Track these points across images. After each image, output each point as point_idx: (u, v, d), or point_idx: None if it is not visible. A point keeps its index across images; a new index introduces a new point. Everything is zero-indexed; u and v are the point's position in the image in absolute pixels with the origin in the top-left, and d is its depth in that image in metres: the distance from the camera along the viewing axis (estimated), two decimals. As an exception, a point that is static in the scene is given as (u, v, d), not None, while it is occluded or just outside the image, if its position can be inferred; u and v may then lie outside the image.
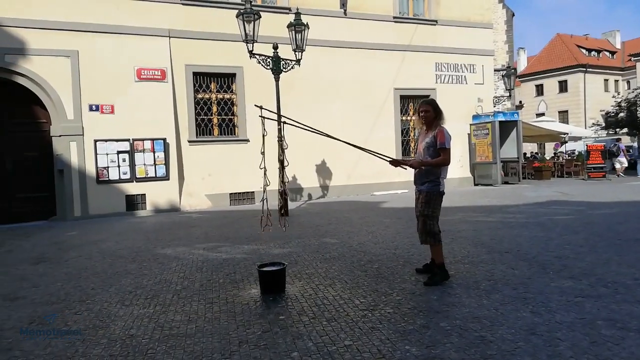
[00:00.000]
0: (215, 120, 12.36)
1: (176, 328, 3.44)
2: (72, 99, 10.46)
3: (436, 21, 14.94)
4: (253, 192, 12.43)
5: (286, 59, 9.73)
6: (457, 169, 15.00)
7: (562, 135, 21.73)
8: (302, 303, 3.86)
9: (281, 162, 9.55)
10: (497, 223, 7.59)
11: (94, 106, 10.64)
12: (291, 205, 11.08)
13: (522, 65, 47.05)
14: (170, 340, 3.20)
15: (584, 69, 42.06)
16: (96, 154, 10.60)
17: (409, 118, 14.97)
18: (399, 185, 14.13)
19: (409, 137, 15.03)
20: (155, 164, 11.13)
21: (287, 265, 4.45)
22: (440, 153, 4.22)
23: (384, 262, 5.17)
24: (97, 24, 10.67)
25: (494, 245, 5.83)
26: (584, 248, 5.45)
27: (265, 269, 4.25)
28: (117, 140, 10.77)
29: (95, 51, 10.64)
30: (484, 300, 3.69)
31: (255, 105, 5.43)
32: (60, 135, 10.40)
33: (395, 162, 4.63)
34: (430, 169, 4.27)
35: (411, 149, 15.16)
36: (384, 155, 4.98)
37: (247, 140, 12.34)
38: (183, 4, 11.72)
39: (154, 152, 11.11)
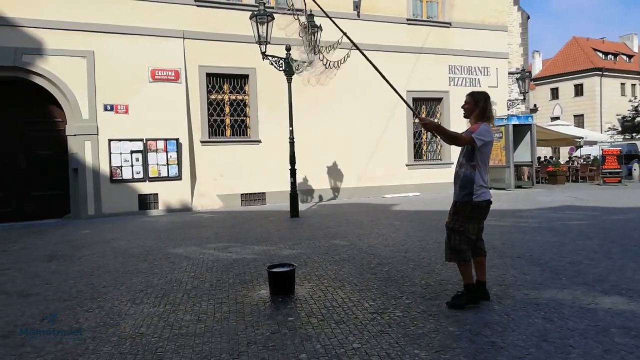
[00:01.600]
0: (227, 121, 12.43)
1: (185, 327, 3.45)
2: (88, 98, 10.60)
3: (450, 23, 14.85)
4: (264, 192, 12.46)
5: (299, 61, 9.75)
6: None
7: (577, 140, 21.45)
8: (311, 305, 3.85)
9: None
10: (509, 227, 7.51)
11: (108, 106, 10.76)
12: (302, 206, 11.10)
13: (537, 69, 46.57)
14: (179, 339, 3.22)
15: (600, 73, 41.50)
16: (110, 153, 10.71)
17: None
18: (410, 188, 14.07)
19: (421, 139, 14.96)
20: (167, 164, 11.22)
21: (296, 267, 4.44)
22: (472, 142, 3.55)
23: (394, 265, 5.14)
24: (112, 24, 10.80)
25: (505, 249, 5.76)
26: (598, 254, 5.36)
27: (274, 270, 4.25)
28: (130, 140, 10.88)
29: (111, 52, 10.77)
30: (495, 305, 3.65)
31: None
32: (75, 135, 10.54)
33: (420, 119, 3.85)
34: (465, 174, 3.62)
35: (423, 152, 15.08)
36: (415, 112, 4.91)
37: (259, 141, 12.39)
38: (197, 6, 11.81)
39: (166, 152, 11.20)
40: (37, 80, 10.35)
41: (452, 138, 3.72)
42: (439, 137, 3.83)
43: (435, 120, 15.06)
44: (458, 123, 12.90)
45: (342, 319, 3.49)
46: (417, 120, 3.99)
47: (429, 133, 15.18)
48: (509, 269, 4.78)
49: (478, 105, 3.72)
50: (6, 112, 10.46)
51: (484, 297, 3.75)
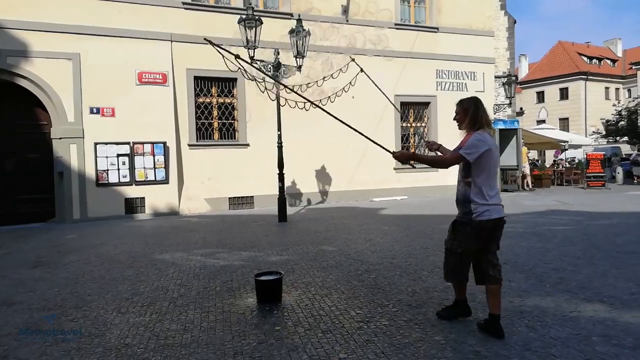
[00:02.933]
0: (215, 125, 12.37)
1: (172, 337, 3.44)
2: (73, 101, 10.47)
3: (437, 28, 14.97)
4: (252, 196, 12.43)
5: (287, 65, 9.75)
6: (457, 175, 15.00)
7: (562, 143, 21.75)
8: (298, 313, 3.86)
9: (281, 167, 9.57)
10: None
11: (94, 109, 10.65)
12: (290, 210, 11.09)
13: (523, 72, 47.13)
14: (165, 350, 3.21)
15: (585, 77, 42.14)
16: (96, 156, 10.60)
17: (409, 124, 15.00)
18: (398, 191, 14.14)
19: (409, 143, 15.04)
20: (155, 168, 11.13)
21: (283, 275, 4.45)
22: (461, 160, 3.27)
23: (381, 271, 5.17)
24: (99, 27, 10.69)
25: (491, 255, 5.82)
26: (582, 260, 5.45)
27: (262, 278, 4.25)
28: (117, 144, 10.77)
29: (97, 54, 10.66)
30: (480, 313, 3.69)
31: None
32: (60, 138, 10.41)
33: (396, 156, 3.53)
34: (461, 191, 3.35)
35: (411, 156, 15.15)
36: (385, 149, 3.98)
37: (247, 145, 12.36)
38: (185, 9, 11.75)
39: (154, 156, 11.11)
40: (22, 82, 10.21)
41: (434, 163, 3.53)
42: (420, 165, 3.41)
43: (424, 126, 15.21)
44: (447, 128, 13.07)
45: (329, 328, 3.50)
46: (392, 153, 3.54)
47: (416, 136, 15.29)
48: (494, 276, 4.83)
49: (467, 113, 3.36)
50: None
51: (496, 333, 3.22)
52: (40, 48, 10.20)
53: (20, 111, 10.55)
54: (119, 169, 10.80)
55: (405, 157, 3.51)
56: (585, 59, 44.68)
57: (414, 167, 3.43)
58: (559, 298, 4.05)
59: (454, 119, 3.48)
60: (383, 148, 3.88)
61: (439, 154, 3.77)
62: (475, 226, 3.23)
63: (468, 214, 3.27)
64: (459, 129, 3.47)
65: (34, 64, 10.20)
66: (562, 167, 22.36)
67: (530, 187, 17.03)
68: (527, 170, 16.96)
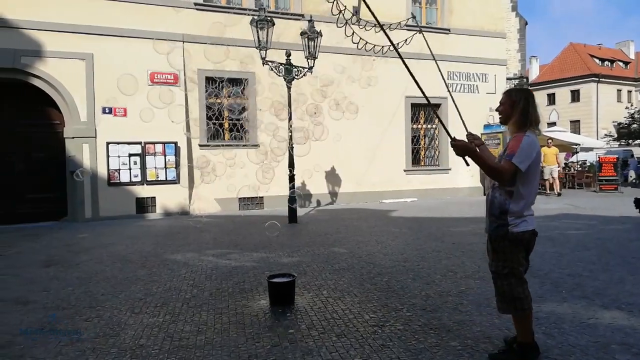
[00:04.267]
0: (226, 125, 12.41)
1: (186, 339, 3.44)
2: (86, 101, 10.56)
3: (449, 30, 14.90)
4: (262, 197, 12.44)
5: (298, 66, 9.75)
6: (467, 178, 14.92)
7: (574, 146, 21.53)
8: (312, 316, 3.84)
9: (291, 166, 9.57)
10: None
11: (107, 109, 10.73)
12: (300, 211, 11.08)
13: (534, 74, 46.80)
14: (180, 352, 3.21)
15: (597, 79, 41.74)
16: (108, 156, 10.68)
17: (419, 126, 14.94)
18: (408, 193, 14.09)
19: (420, 145, 14.99)
20: (166, 167, 11.19)
21: (296, 277, 4.43)
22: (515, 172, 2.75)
23: (394, 275, 5.14)
24: (112, 27, 10.77)
25: (504, 259, 5.77)
26: (597, 265, 5.38)
27: (275, 280, 4.24)
28: (129, 143, 10.84)
29: (110, 54, 10.74)
30: (496, 319, 3.65)
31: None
32: (73, 137, 10.50)
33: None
34: (499, 200, 2.83)
35: (421, 157, 15.11)
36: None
37: (257, 146, 12.37)
38: (197, 9, 11.80)
39: (165, 156, 11.17)
40: (36, 82, 10.31)
41: (491, 170, 2.79)
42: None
43: (434, 128, 15.15)
44: (458, 130, 12.95)
45: (343, 332, 3.48)
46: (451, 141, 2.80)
47: (427, 138, 15.23)
48: (509, 281, 4.78)
49: (516, 107, 2.82)
50: (4, 113, 10.41)
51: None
52: (54, 48, 10.30)
53: (33, 111, 10.64)
54: (130, 169, 10.87)
55: (466, 150, 2.77)
56: (597, 60, 44.25)
57: (467, 164, 2.89)
58: (576, 304, 3.99)
59: (497, 109, 2.98)
60: (447, 132, 3.19)
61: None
62: (514, 238, 2.80)
63: (503, 227, 2.81)
64: (502, 123, 3.00)
65: (47, 64, 10.29)
66: (574, 170, 22.13)
67: (558, 191, 15.10)
68: (555, 174, 15.10)
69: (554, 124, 39.16)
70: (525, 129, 2.81)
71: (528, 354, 2.86)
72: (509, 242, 2.80)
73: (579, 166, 23.34)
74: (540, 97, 45.49)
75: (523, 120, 2.81)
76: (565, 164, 25.65)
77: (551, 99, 45.01)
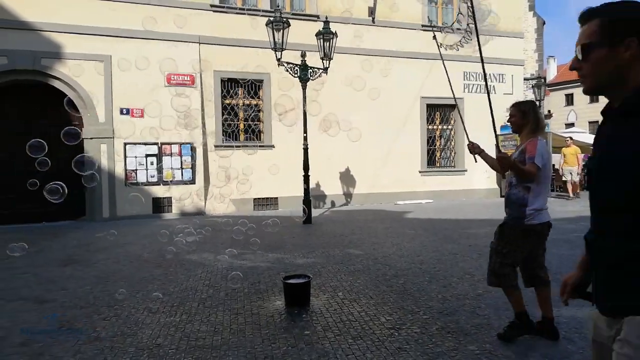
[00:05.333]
0: (241, 126, 12.47)
1: (202, 339, 3.45)
2: (104, 102, 10.70)
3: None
4: (277, 197, 12.47)
5: (314, 67, 9.75)
6: (483, 179, 14.76)
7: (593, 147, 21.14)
8: (327, 318, 3.83)
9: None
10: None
11: (124, 110, 10.86)
12: (314, 212, 11.08)
13: (551, 74, 46.13)
14: (196, 352, 3.22)
15: (617, 79, 40.95)
16: (125, 156, 10.80)
17: (435, 127, 14.84)
18: (423, 195, 13.98)
19: (435, 146, 14.87)
20: (182, 168, 11.28)
21: (312, 278, 4.42)
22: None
23: (410, 277, 5.10)
24: (129, 29, 10.89)
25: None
26: (618, 269, 5.26)
27: (290, 281, 4.24)
28: (145, 144, 10.96)
29: (127, 56, 10.84)
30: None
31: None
32: (91, 138, 10.65)
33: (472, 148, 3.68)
34: (518, 196, 3.24)
35: (437, 158, 14.99)
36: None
37: (272, 147, 12.41)
38: (213, 11, 11.88)
39: (181, 156, 11.26)
40: (55, 83, 10.48)
41: (525, 174, 3.18)
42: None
43: (450, 128, 15.03)
44: (474, 131, 12.81)
45: (359, 334, 3.46)
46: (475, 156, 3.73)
47: (442, 139, 15.11)
48: (527, 284, 4.71)
49: (527, 117, 3.33)
50: (25, 114, 10.59)
51: (551, 336, 3.28)
52: (73, 50, 10.46)
53: (52, 111, 10.80)
54: (147, 169, 10.98)
55: (504, 161, 3.16)
56: (617, 60, 43.43)
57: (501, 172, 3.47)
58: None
59: (509, 120, 3.46)
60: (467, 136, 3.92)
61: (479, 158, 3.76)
62: (527, 229, 3.20)
63: (520, 218, 3.20)
64: (515, 132, 3.48)
65: (66, 66, 10.45)
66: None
67: (572, 194, 14.21)
68: (574, 176, 14.25)
69: (572, 124, 38.58)
70: (536, 134, 3.31)
71: (523, 320, 3.30)
72: (521, 232, 3.21)
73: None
74: (558, 98, 44.86)
75: (535, 127, 3.33)
76: (584, 165, 25.21)
77: (569, 100, 44.33)
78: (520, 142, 3.44)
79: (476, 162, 3.55)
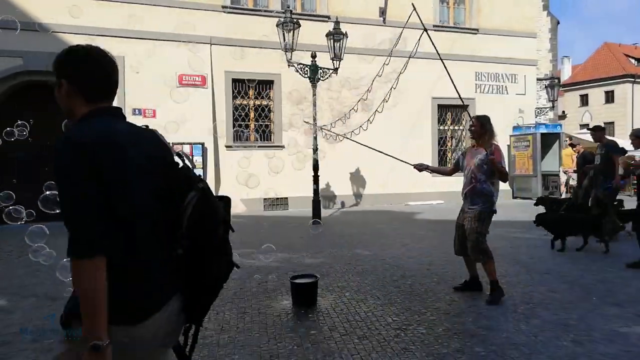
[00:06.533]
0: (252, 126, 12.53)
1: (209, 337, 3.48)
2: (117, 102, 10.70)
3: (477, 30, 14.67)
4: (287, 198, 12.50)
5: (324, 68, 9.76)
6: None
7: (608, 149, 20.83)
8: (334, 318, 3.84)
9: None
10: (536, 240, 7.35)
11: (137, 110, 10.99)
12: (324, 212, 11.08)
13: (565, 75, 45.55)
14: (203, 350, 3.24)
15: (633, 79, 40.32)
16: (137, 156, 10.92)
17: (446, 127, 14.76)
18: (434, 196, 13.91)
19: (446, 146, 14.79)
20: (193, 168, 11.35)
21: (319, 278, 4.44)
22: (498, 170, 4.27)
23: (418, 278, 5.08)
24: (142, 30, 11.01)
25: (533, 264, 5.64)
26: (629, 273, 5.19)
27: (297, 281, 4.25)
28: (157, 144, 11.06)
29: (140, 57, 10.98)
30: (522, 325, 3.57)
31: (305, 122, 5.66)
32: (104, 138, 10.78)
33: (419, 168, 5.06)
34: (488, 189, 4.28)
35: (448, 159, 14.90)
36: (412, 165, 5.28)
37: (283, 147, 12.44)
38: (225, 12, 11.96)
39: (192, 156, 11.35)
40: (69, 84, 10.63)
41: (504, 174, 4.29)
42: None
43: (461, 129, 14.94)
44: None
45: (365, 335, 3.46)
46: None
47: (453, 140, 15.03)
48: (537, 286, 4.67)
49: (486, 129, 4.33)
50: (42, 114, 10.75)
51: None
52: (87, 51, 10.59)
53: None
54: (158, 169, 11.09)
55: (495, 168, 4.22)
56: (633, 60, 42.75)
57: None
58: (607, 312, 3.86)
59: (470, 129, 4.51)
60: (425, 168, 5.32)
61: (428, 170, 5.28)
62: (491, 213, 4.33)
63: (491, 205, 4.30)
64: (473, 138, 4.51)
65: (80, 67, 10.59)
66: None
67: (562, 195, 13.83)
68: (563, 178, 14.18)
69: (587, 125, 38.03)
70: (491, 141, 4.31)
71: (500, 288, 4.23)
72: (488, 215, 4.30)
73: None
74: (572, 98, 44.28)
75: (491, 137, 4.35)
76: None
77: (584, 100, 43.73)
78: (475, 147, 4.44)
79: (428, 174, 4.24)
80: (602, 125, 10.43)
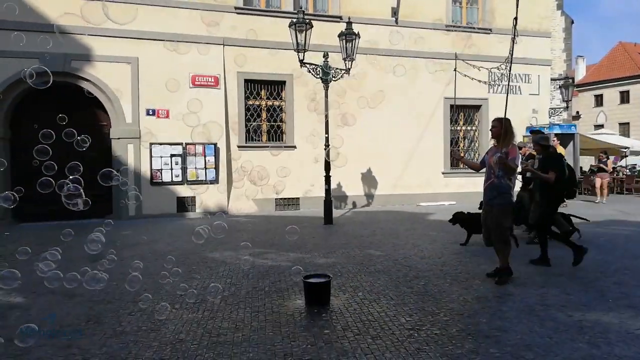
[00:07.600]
0: (264, 127, 12.58)
1: (223, 335, 3.52)
2: (131, 103, 10.96)
3: (490, 30, 14.56)
4: (298, 198, 12.53)
5: (336, 68, 9.77)
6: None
7: (623, 150, 20.57)
8: (347, 318, 3.85)
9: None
10: (550, 242, 7.25)
11: (150, 110, 11.10)
12: (335, 212, 11.09)
13: (580, 74, 44.97)
14: (217, 348, 3.28)
15: (648, 79, 39.69)
16: (151, 156, 11.03)
17: (459, 128, 14.67)
18: (446, 196, 13.84)
19: (458, 147, 14.70)
20: (205, 168, 11.46)
21: (332, 278, 4.45)
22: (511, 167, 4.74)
23: (431, 279, 5.07)
24: (156, 32, 11.12)
25: (547, 266, 5.59)
26: (646, 275, 5.13)
27: (311, 280, 4.27)
28: (170, 144, 11.17)
29: (154, 58, 11.09)
30: (537, 327, 3.55)
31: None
32: (119, 138, 10.92)
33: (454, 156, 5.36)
34: (504, 184, 4.76)
35: (460, 160, 14.80)
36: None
37: (294, 147, 12.48)
38: (237, 13, 12.03)
39: (205, 156, 11.44)
40: (84, 85, 10.77)
41: (513, 170, 4.76)
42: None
43: (474, 130, 14.85)
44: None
45: (379, 334, 3.47)
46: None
47: (466, 140, 14.94)
48: (551, 288, 4.63)
49: (506, 129, 4.73)
50: (56, 114, 10.90)
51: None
52: (102, 52, 10.74)
53: (81, 112, 11.12)
54: (172, 169, 11.19)
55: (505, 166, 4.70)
56: (648, 60, 42.09)
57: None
58: (623, 314, 3.82)
59: (491, 129, 4.95)
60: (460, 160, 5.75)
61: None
62: (511, 205, 4.84)
63: (509, 199, 4.80)
64: (493, 137, 4.98)
65: (95, 68, 10.74)
66: (623, 174, 21.14)
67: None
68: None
69: (601, 126, 37.55)
70: (511, 142, 4.81)
71: (508, 273, 4.89)
72: (510, 207, 4.84)
73: (628, 170, 22.31)
74: (587, 98, 43.72)
75: (511, 138, 4.83)
76: (613, 168, 24.51)
77: (599, 100, 43.15)
78: (496, 146, 4.88)
79: (459, 166, 4.11)
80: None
